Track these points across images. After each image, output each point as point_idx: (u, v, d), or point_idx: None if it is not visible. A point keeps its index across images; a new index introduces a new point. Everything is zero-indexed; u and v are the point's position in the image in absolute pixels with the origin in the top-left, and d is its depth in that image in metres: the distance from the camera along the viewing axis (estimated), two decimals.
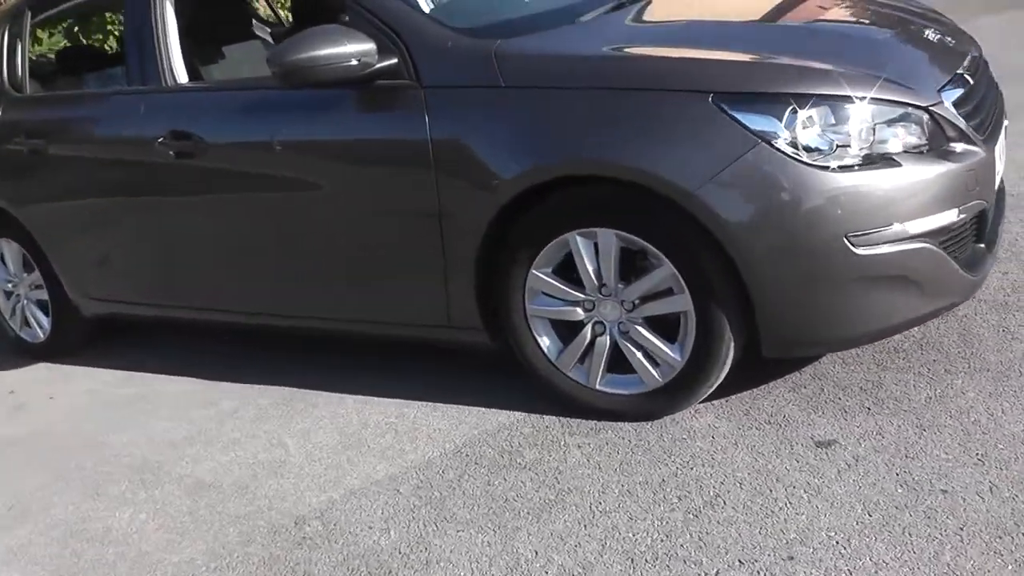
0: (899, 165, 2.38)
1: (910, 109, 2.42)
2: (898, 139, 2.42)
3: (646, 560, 2.16)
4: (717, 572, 2.09)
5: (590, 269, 2.63)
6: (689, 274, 2.50)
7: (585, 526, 2.33)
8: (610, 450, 2.63)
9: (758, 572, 2.06)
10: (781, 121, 2.36)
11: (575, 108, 2.53)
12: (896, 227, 2.38)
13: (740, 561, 2.11)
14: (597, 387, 2.78)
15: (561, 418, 2.85)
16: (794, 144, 2.35)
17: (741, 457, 2.47)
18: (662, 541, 2.22)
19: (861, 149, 2.38)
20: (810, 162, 2.35)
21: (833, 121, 2.37)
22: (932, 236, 2.44)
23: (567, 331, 2.81)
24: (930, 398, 2.56)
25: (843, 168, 2.35)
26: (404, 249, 2.93)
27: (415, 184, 2.80)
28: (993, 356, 2.70)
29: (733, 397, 2.74)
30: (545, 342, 2.82)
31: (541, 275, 2.72)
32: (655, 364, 2.67)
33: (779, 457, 2.43)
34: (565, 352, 2.79)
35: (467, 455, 2.75)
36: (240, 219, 3.30)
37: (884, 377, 2.70)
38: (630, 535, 2.26)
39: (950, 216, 2.47)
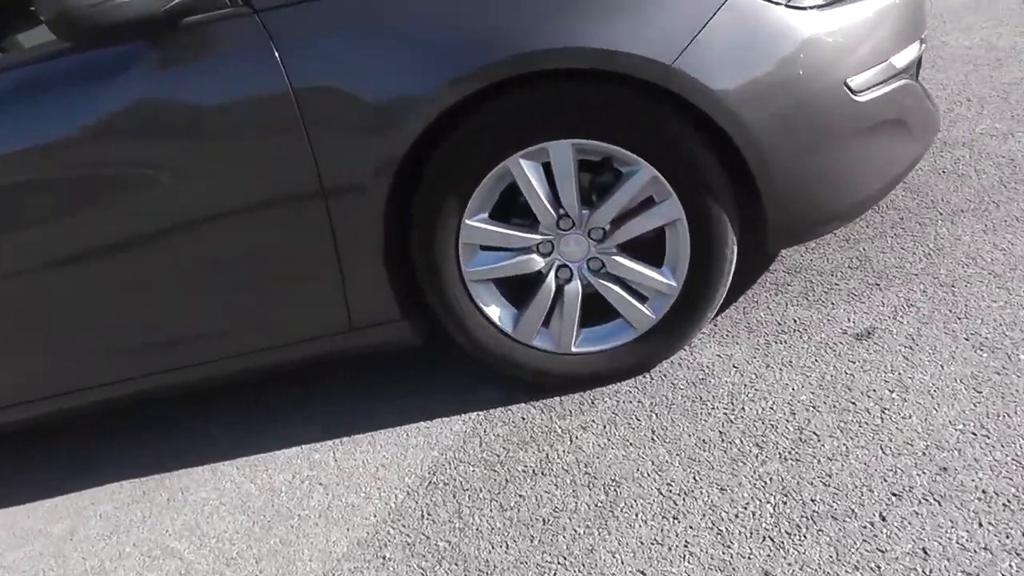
0: None
1: None
2: None
3: (790, 533, 1.64)
4: (881, 515, 1.62)
5: (543, 198, 2.03)
6: (674, 172, 1.99)
7: (676, 518, 1.76)
8: (627, 420, 2.06)
9: (921, 499, 1.62)
10: None
11: None
12: (885, 64, 2.03)
13: (893, 494, 1.65)
14: (573, 350, 2.19)
15: (535, 403, 2.23)
16: None
17: (789, 378, 2.01)
18: (784, 502, 1.70)
19: None
20: (787, 4, 1.92)
21: None
22: (908, 70, 2.13)
23: (519, 291, 2.19)
24: (929, 254, 2.27)
25: (819, 7, 1.96)
26: (282, 247, 2.13)
27: (281, 156, 2.03)
28: (955, 197, 2.47)
29: (716, 320, 2.29)
30: (494, 311, 2.17)
31: (477, 224, 2.06)
32: (642, 300, 2.14)
33: (830, 366, 2.01)
34: (524, 317, 2.16)
35: (445, 483, 2.05)
36: (39, 257, 2.24)
37: (864, 250, 2.38)
38: (743, 510, 1.72)
39: (917, 47, 2.17)
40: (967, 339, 1.95)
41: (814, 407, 1.91)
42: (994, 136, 2.71)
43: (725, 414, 1.97)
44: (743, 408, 1.97)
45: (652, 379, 2.16)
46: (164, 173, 2.07)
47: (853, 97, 1.97)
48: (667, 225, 2.05)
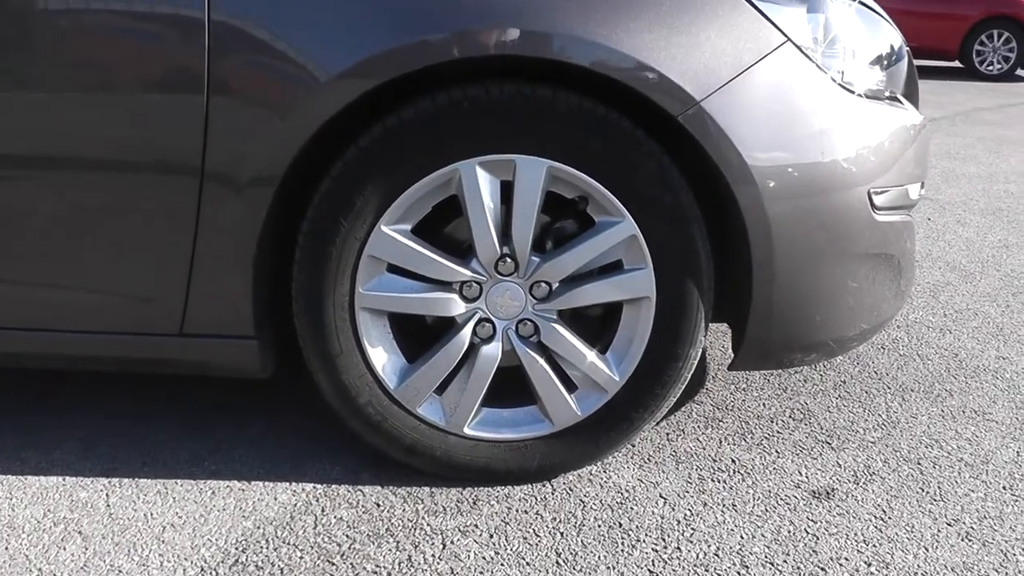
0: (903, 107, 1.79)
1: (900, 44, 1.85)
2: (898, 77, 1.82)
3: None
4: None
5: (491, 223, 1.57)
6: (659, 239, 1.58)
7: None
8: (522, 532, 1.54)
9: None
10: (818, 16, 1.62)
11: None
12: (903, 189, 1.76)
13: None
14: (466, 431, 1.67)
15: (396, 488, 1.67)
16: (825, 53, 1.62)
17: (735, 523, 1.57)
18: None
19: (880, 79, 1.73)
20: (840, 82, 1.63)
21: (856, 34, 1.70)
22: (912, 208, 1.87)
23: (412, 340, 1.68)
24: (883, 424, 1.95)
25: (869, 98, 1.68)
26: (121, 202, 1.55)
27: (165, 110, 1.50)
28: (901, 375, 2.19)
29: (635, 441, 1.84)
30: (379, 357, 1.64)
31: (395, 235, 1.57)
32: (570, 388, 1.68)
33: (785, 520, 1.59)
34: (416, 374, 1.63)
35: (259, 566, 1.42)
36: None
37: (805, 404, 2.03)
38: None
39: (919, 188, 1.92)
40: (950, 525, 1.60)
41: (772, 564, 1.47)
42: (930, 327, 2.51)
43: (655, 551, 1.50)
44: (678, 548, 1.51)
45: (554, 491, 1.67)
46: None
47: (872, 212, 1.67)
48: (628, 301, 1.63)
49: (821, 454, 1.82)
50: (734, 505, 1.64)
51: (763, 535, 1.55)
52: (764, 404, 2.03)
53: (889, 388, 2.13)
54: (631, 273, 1.60)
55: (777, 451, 1.83)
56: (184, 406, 1.96)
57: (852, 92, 1.63)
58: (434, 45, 1.48)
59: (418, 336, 1.68)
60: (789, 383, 2.13)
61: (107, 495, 1.62)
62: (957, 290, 2.83)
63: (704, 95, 1.51)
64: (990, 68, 10.36)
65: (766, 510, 1.63)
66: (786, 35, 1.57)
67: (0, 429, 1.85)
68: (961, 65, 10.68)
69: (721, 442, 1.86)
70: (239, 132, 1.51)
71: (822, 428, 1.93)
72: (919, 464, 1.80)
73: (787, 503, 1.65)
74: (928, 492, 1.70)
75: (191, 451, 1.78)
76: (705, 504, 1.64)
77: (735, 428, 1.92)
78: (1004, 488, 1.72)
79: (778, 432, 1.91)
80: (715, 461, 1.79)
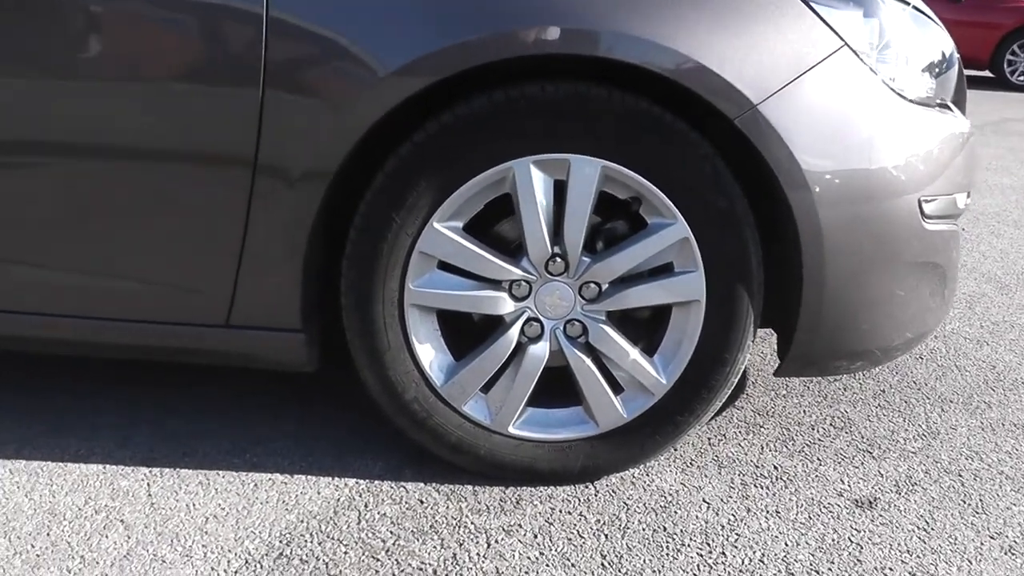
0: (953, 114, 1.77)
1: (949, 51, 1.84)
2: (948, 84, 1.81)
3: None
4: None
5: (544, 222, 1.57)
6: (712, 242, 1.57)
7: None
8: (566, 533, 1.54)
9: None
10: (873, 20, 1.61)
11: None
12: (952, 198, 1.75)
13: None
14: (511, 430, 1.68)
15: (439, 485, 1.67)
16: (879, 58, 1.61)
17: (780, 530, 1.56)
18: None
19: (931, 86, 1.72)
20: (894, 86, 1.62)
21: (911, 38, 1.69)
22: (960, 217, 1.86)
23: (460, 338, 1.68)
24: (923, 435, 1.94)
25: (922, 104, 1.67)
26: (170, 194, 1.55)
27: (217, 103, 1.50)
28: (940, 386, 2.18)
29: (676, 444, 1.83)
30: (427, 354, 1.64)
31: (447, 231, 1.57)
32: (616, 390, 1.67)
33: (829, 528, 1.58)
34: (464, 372, 1.64)
35: (303, 560, 1.42)
36: None
37: (845, 412, 2.02)
38: None
39: (966, 198, 1.91)
40: (992, 538, 1.58)
41: (816, 572, 1.46)
42: (967, 339, 2.49)
43: (700, 556, 1.49)
44: (723, 553, 1.50)
45: (597, 493, 1.67)
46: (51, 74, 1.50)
47: (922, 221, 1.66)
48: (677, 305, 1.62)
49: (863, 463, 1.81)
50: (777, 512, 1.63)
51: (807, 543, 1.55)
52: (805, 411, 2.02)
53: (928, 398, 2.12)
54: (682, 276, 1.59)
55: (819, 459, 1.82)
56: (218, 397, 1.96)
57: (904, 98, 1.62)
58: (491, 43, 1.47)
59: (465, 334, 1.68)
60: (829, 391, 2.12)
61: (148, 484, 1.63)
62: (993, 302, 2.81)
63: (761, 98, 1.50)
64: (1021, 78, 10.29)
65: (809, 517, 1.62)
66: (843, 39, 1.56)
67: (34, 415, 1.86)
68: (992, 75, 10.61)
69: (763, 448, 1.85)
70: (293, 126, 1.50)
71: (863, 437, 1.92)
72: (960, 476, 1.79)
73: (830, 511, 1.64)
74: (970, 504, 1.69)
75: (232, 443, 1.79)
76: (749, 510, 1.63)
77: (776, 434, 1.91)
78: None
79: (819, 440, 1.90)
80: (757, 467, 1.78)
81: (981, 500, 1.71)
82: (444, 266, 1.61)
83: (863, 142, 1.58)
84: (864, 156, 1.58)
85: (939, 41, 1.76)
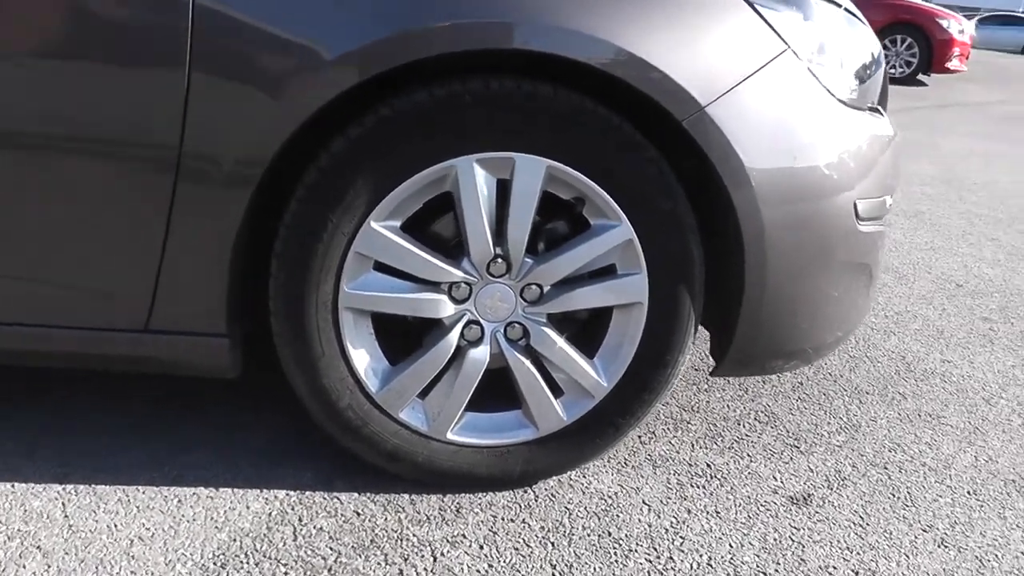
0: (882, 117, 1.80)
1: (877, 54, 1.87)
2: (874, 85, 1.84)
3: None
4: None
5: (487, 223, 1.51)
6: (656, 245, 1.55)
7: None
8: (512, 543, 1.49)
9: None
10: (811, 23, 1.61)
11: None
12: (881, 200, 1.78)
13: None
14: (449, 436, 1.62)
15: (374, 495, 1.60)
16: (819, 62, 1.61)
17: (722, 531, 1.56)
18: None
19: (863, 88, 1.74)
20: (830, 89, 1.63)
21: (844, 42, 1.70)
22: (884, 218, 1.90)
23: (396, 341, 1.61)
24: (846, 428, 1.98)
25: (854, 107, 1.68)
26: (86, 185, 1.41)
27: (141, 84, 1.37)
28: (854, 377, 2.24)
29: None
30: (361, 359, 1.56)
31: (384, 231, 1.49)
32: (556, 393, 1.63)
33: (769, 527, 1.59)
34: (400, 378, 1.57)
35: None
36: None
37: (768, 406, 2.05)
38: None
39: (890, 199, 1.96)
40: (925, 531, 1.63)
41: (764, 573, 1.47)
42: (875, 330, 2.57)
43: (649, 561, 1.48)
44: (671, 558, 1.49)
45: (537, 498, 1.63)
46: None
47: (857, 222, 1.68)
48: (619, 306, 1.60)
49: (792, 458, 1.84)
50: (718, 512, 1.64)
51: (751, 543, 1.55)
52: (729, 406, 2.04)
53: (845, 390, 2.17)
54: (625, 278, 1.57)
55: (749, 455, 1.84)
56: (130, 404, 1.83)
57: (841, 102, 1.64)
58: (431, 36, 1.40)
59: (400, 337, 1.62)
60: (749, 384, 2.15)
61: (63, 504, 1.50)
62: (894, 292, 2.91)
63: (709, 100, 1.48)
64: (892, 71, 10.77)
65: (749, 517, 1.63)
66: (786, 42, 1.56)
67: None
68: None
69: (693, 445, 1.86)
70: (222, 114, 1.40)
71: (788, 431, 1.95)
72: (886, 468, 1.84)
73: (768, 510, 1.66)
74: (899, 498, 1.74)
75: (148, 454, 1.67)
76: (689, 511, 1.63)
77: (704, 431, 1.92)
78: (969, 493, 1.77)
79: (746, 435, 1.92)
80: (691, 466, 1.78)
81: (909, 493, 1.76)
82: (380, 267, 1.54)
83: (804, 145, 1.58)
84: (804, 157, 1.58)
85: (869, 43, 1.79)
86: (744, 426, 1.96)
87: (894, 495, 1.74)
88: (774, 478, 1.76)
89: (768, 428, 1.96)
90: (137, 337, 1.54)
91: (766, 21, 1.55)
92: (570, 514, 1.59)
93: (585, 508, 1.61)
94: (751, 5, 1.55)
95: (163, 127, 1.39)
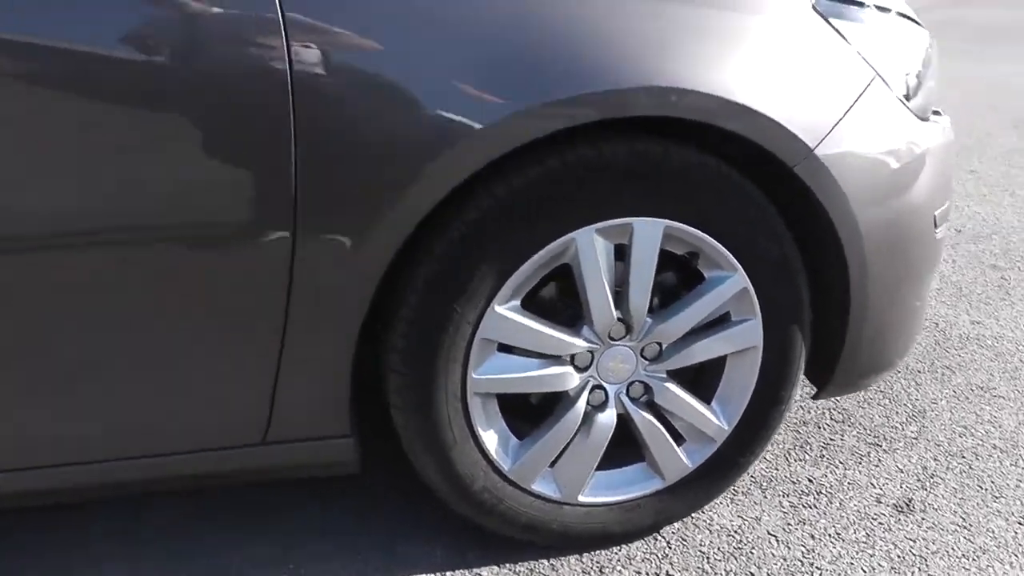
0: (943, 119, 1.82)
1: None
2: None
3: None
4: None
5: (608, 291, 1.48)
6: (768, 288, 1.55)
7: None
8: None
9: None
10: (884, 41, 1.61)
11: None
12: (948, 204, 1.81)
13: None
14: (580, 499, 1.61)
15: (513, 565, 1.59)
16: (896, 80, 1.61)
17: (851, 555, 1.61)
18: None
19: (928, 95, 1.75)
20: (908, 106, 1.63)
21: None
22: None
23: (524, 416, 1.58)
24: (915, 416, 2.04)
25: (924, 117, 1.69)
26: (189, 295, 1.32)
27: (238, 156, 1.27)
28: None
29: None
30: (491, 440, 1.53)
31: (509, 313, 1.45)
32: (678, 440, 1.64)
33: (889, 543, 1.65)
34: (532, 452, 1.54)
35: None
36: None
37: (837, 402, 2.10)
38: None
39: None
40: (1020, 523, 1.72)
41: None
42: None
43: None
44: None
45: (669, 544, 1.65)
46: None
47: (935, 231, 1.71)
48: (733, 353, 1.60)
49: (879, 460, 1.90)
50: (838, 534, 1.69)
51: (880, 564, 1.61)
52: (802, 408, 2.08)
53: (898, 371, 2.24)
54: (740, 325, 1.57)
55: (840, 462, 1.89)
56: (239, 497, 1.76)
57: (917, 116, 1.65)
58: (549, 112, 1.34)
59: (523, 409, 1.59)
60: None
61: None
62: None
63: (816, 142, 1.47)
64: None
65: (868, 535, 1.68)
66: (873, 67, 1.55)
67: (37, 553, 1.60)
68: None
69: (788, 459, 1.90)
70: (338, 180, 1.31)
71: (865, 428, 2.01)
72: (964, 458, 1.92)
73: (880, 523, 1.71)
74: (987, 489, 1.82)
75: (269, 550, 1.61)
76: (812, 536, 1.68)
77: (791, 441, 1.96)
78: None
79: (830, 440, 1.97)
80: (794, 483, 1.82)
81: (993, 483, 1.84)
82: (503, 346, 1.50)
83: (896, 169, 1.59)
84: (897, 181, 1.60)
85: (925, 44, 1.78)
86: (824, 429, 2.01)
87: (981, 487, 1.82)
88: (872, 485, 1.82)
89: (847, 428, 2.01)
90: (255, 451, 1.47)
91: (855, 48, 1.54)
92: (708, 558, 1.62)
93: (719, 549, 1.64)
94: (839, 33, 1.53)
95: (274, 231, 1.31)
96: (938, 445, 1.95)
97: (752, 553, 1.63)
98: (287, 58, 1.24)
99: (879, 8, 1.66)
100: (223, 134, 1.26)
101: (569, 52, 1.35)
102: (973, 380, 2.21)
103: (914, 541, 1.67)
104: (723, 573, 1.59)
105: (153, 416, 1.40)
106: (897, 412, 2.07)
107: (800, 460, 1.90)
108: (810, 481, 1.83)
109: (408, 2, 1.30)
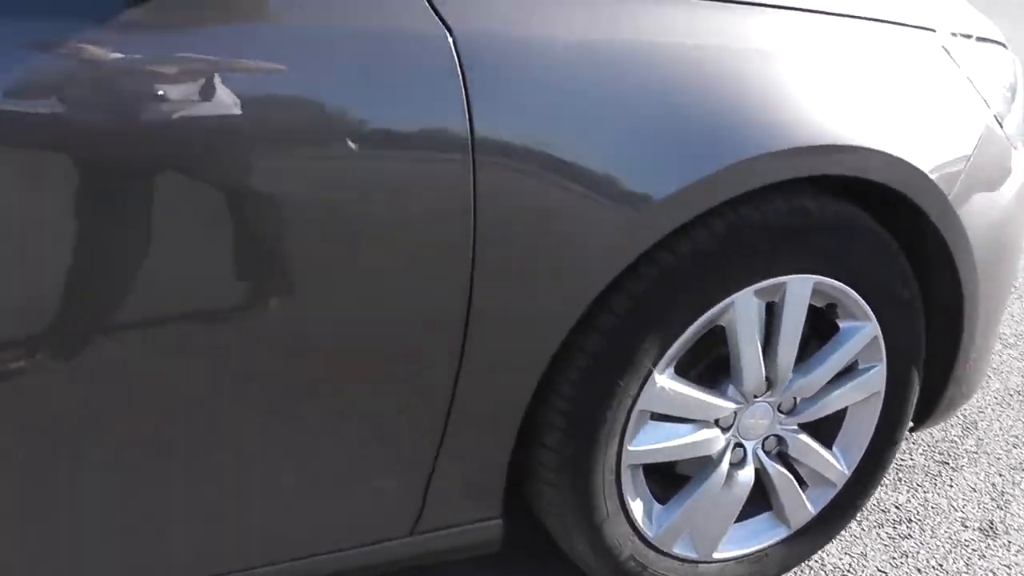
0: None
1: None
2: None
3: None
4: None
5: (760, 352, 1.43)
6: (896, 334, 1.54)
7: None
8: None
9: None
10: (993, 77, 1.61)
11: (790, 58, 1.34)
12: None
13: None
14: (714, 557, 1.57)
15: None
16: (1002, 113, 1.62)
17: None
18: None
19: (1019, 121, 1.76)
20: (1009, 139, 1.65)
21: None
22: None
23: (662, 479, 1.53)
24: (968, 429, 2.11)
25: (1017, 147, 1.71)
26: (341, 390, 1.20)
27: (415, 240, 1.15)
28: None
29: None
30: (638, 509, 1.47)
31: (668, 384, 1.38)
32: (802, 486, 1.62)
33: (987, 572, 1.70)
34: (677, 516, 1.49)
35: None
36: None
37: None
38: None
39: None
40: None
41: None
42: None
43: None
44: None
45: None
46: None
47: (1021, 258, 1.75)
48: (862, 399, 1.59)
49: (952, 480, 1.95)
50: (940, 564, 1.72)
51: None
52: None
53: None
54: (868, 372, 1.55)
55: (917, 484, 1.93)
56: None
57: (1015, 148, 1.66)
58: (723, 179, 1.28)
59: (658, 471, 1.53)
60: None
61: None
62: None
63: (951, 189, 1.47)
64: None
65: (967, 565, 1.72)
66: (988, 104, 1.56)
67: None
68: None
69: None
70: (515, 290, 1.22)
71: (928, 445, 2.06)
72: (1023, 471, 1.99)
73: (973, 550, 1.76)
74: None
75: None
76: (919, 570, 1.70)
77: None
78: None
79: (901, 461, 2.00)
80: (883, 512, 1.85)
81: None
82: (653, 415, 1.44)
83: (1004, 206, 1.61)
84: (1004, 214, 1.61)
85: (1012, 67, 1.77)
86: None
87: None
88: (953, 508, 1.87)
89: (912, 446, 2.05)
90: (400, 543, 1.36)
91: (974, 87, 1.54)
92: None
93: None
94: (963, 72, 1.53)
95: (445, 321, 1.20)
96: (998, 459, 2.02)
97: None
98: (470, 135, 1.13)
99: (979, 39, 1.66)
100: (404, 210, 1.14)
101: (744, 114, 1.29)
102: (1010, 384, 2.30)
103: (1009, 568, 1.72)
104: None
105: (303, 518, 1.27)
106: (952, 424, 2.14)
107: (880, 485, 1.92)
108: (897, 508, 1.86)
109: (581, 84, 1.21)
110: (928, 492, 1.92)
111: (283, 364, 1.15)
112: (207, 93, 1.01)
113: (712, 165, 1.26)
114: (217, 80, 1.01)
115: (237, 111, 1.02)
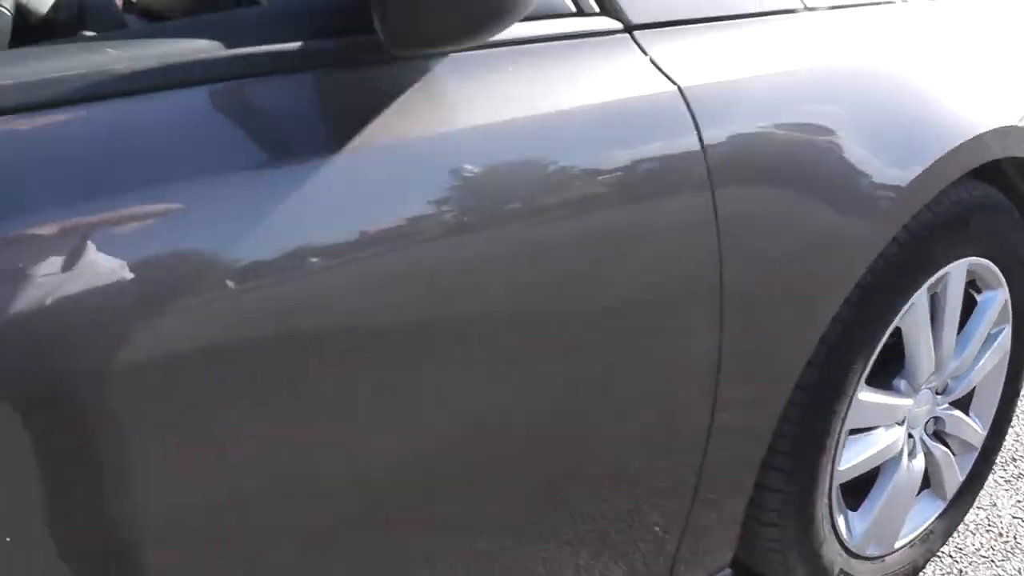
0: None
1: None
2: None
3: None
4: None
5: (931, 344, 1.43)
6: (1018, 295, 1.58)
7: None
8: None
9: None
10: None
11: None
12: None
13: None
14: (895, 547, 1.57)
15: None
16: None
17: None
18: None
19: None
20: None
21: None
22: None
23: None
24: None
25: None
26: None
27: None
28: None
29: None
30: (841, 522, 1.45)
31: (867, 396, 1.36)
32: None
33: None
34: (870, 523, 1.48)
35: None
36: None
37: None
38: None
39: None
40: None
41: None
42: None
43: None
44: None
45: (952, 557, 1.68)
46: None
47: None
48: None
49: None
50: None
51: None
52: None
53: None
54: (999, 337, 1.59)
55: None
56: None
57: None
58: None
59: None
60: None
61: None
62: None
63: None
64: None
65: None
66: None
67: None
68: None
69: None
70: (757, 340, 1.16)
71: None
72: None
73: None
74: None
75: None
76: None
77: None
78: None
79: None
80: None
81: None
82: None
83: None
84: None
85: None
86: None
87: None
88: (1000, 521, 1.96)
89: None
90: None
91: None
92: (993, 562, 1.67)
93: (994, 549, 1.70)
94: None
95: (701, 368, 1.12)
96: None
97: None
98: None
99: None
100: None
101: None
102: None
103: None
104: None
105: None
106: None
107: None
108: (1004, 450, 1.92)
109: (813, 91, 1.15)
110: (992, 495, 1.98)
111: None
112: None
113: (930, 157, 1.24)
114: None
115: None
